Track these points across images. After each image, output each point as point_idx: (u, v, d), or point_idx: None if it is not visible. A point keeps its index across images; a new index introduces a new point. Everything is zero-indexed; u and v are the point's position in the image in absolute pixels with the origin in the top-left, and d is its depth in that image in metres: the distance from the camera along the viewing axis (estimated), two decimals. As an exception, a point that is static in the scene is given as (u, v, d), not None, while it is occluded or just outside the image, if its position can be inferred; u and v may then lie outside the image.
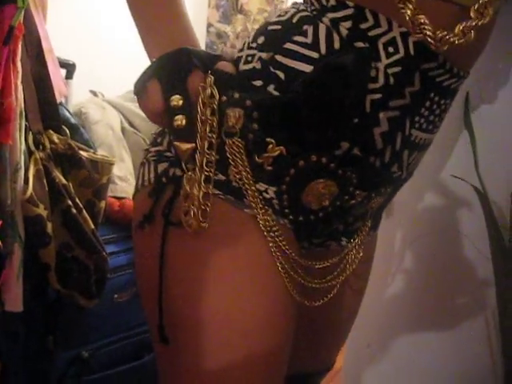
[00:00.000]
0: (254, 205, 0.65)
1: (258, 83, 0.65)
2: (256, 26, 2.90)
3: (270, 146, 0.64)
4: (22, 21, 0.96)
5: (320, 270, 0.75)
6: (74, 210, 1.08)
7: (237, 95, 0.64)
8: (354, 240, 0.78)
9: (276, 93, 0.64)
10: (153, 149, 0.71)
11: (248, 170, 0.65)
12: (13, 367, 1.15)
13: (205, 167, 0.64)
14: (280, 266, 0.67)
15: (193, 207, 0.63)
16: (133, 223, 0.72)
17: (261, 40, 0.67)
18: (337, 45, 0.64)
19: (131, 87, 0.70)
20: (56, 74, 1.23)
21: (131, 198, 0.78)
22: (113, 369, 1.41)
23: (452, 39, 0.61)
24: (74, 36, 1.99)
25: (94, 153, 1.17)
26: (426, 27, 0.60)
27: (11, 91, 0.95)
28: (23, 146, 1.02)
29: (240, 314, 0.65)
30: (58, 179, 1.08)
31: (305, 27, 0.65)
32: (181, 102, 0.63)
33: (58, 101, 1.19)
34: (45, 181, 1.05)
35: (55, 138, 1.13)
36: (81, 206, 1.10)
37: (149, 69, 0.66)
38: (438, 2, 0.63)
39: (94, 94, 1.89)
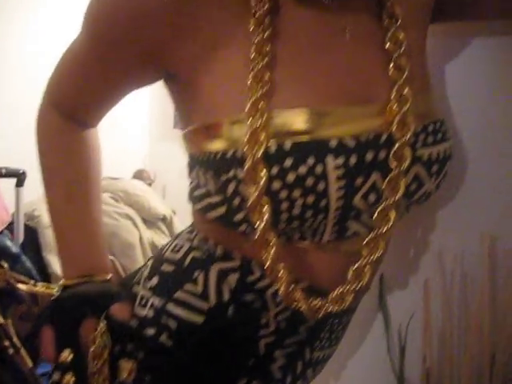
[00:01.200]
0: None
1: (151, 332, 0.64)
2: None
3: None
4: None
5: None
6: (12, 350, 1.09)
7: (130, 346, 0.64)
8: None
9: (168, 343, 0.64)
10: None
11: None
12: None
13: None
14: None
15: None
16: None
17: (155, 281, 0.66)
18: (226, 296, 0.63)
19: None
20: (-3, 205, 1.24)
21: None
22: None
23: (328, 308, 0.59)
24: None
25: (34, 284, 1.17)
26: (299, 303, 0.59)
27: None
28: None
29: None
30: (-5, 319, 1.08)
31: (196, 274, 0.64)
32: (70, 358, 0.62)
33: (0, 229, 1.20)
34: (-19, 324, 1.05)
35: (-5, 271, 1.13)
36: (18, 345, 1.10)
37: (46, 311, 0.67)
38: (312, 269, 0.62)
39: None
